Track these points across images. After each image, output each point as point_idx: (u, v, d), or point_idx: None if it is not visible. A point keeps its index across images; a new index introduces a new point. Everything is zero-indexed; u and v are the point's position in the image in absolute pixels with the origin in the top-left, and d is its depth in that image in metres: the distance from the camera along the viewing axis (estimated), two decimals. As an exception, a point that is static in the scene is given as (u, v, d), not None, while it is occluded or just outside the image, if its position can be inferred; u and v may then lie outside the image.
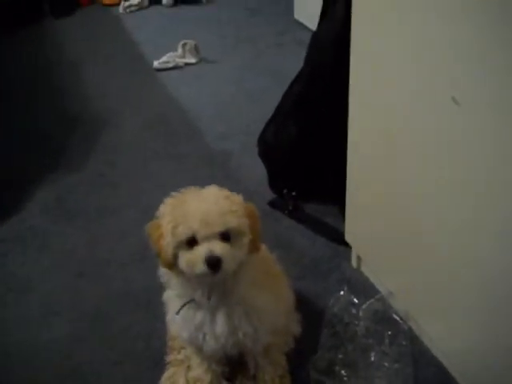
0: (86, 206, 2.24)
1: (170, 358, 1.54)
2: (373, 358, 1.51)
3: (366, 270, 1.80)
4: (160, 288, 1.59)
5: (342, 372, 1.48)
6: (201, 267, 1.09)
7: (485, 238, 1.17)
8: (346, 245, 1.88)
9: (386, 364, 1.50)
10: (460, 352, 1.40)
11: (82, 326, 1.72)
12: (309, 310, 1.63)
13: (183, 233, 1.09)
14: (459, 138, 1.16)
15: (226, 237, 1.11)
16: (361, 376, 1.47)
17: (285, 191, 2.08)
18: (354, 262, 1.83)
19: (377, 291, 1.72)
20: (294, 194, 2.09)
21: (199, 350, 1.34)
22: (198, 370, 1.42)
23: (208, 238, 1.09)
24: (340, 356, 1.51)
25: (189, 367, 1.48)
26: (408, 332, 1.58)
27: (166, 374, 1.50)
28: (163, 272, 1.24)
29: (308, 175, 2.04)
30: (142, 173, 2.38)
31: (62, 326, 1.72)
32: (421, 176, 1.34)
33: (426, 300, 1.48)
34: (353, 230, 1.75)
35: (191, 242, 1.10)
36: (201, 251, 1.08)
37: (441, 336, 1.45)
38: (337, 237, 1.93)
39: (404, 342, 1.55)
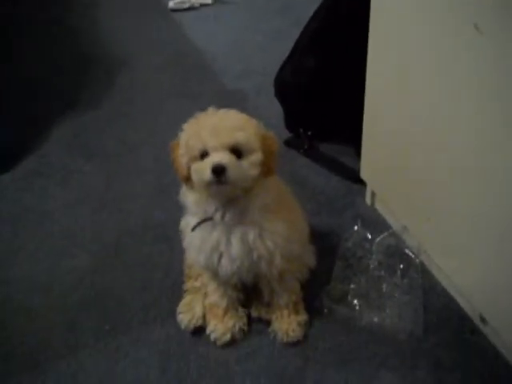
0: (103, 143, 2.27)
1: (187, 285, 1.59)
2: (384, 289, 1.55)
3: (380, 207, 1.82)
4: (177, 222, 1.65)
5: (355, 301, 1.53)
6: (207, 175, 1.13)
7: (502, 171, 1.18)
8: (361, 183, 1.91)
9: (397, 295, 1.54)
10: (470, 284, 1.43)
11: (103, 256, 1.77)
12: (323, 244, 1.67)
13: (195, 145, 1.16)
14: (480, 68, 1.15)
15: (236, 152, 1.16)
16: (372, 305, 1.52)
17: (301, 130, 2.09)
18: (368, 199, 1.86)
19: (390, 227, 1.75)
20: (309, 133, 2.10)
21: (215, 274, 1.38)
22: (214, 295, 1.47)
23: (217, 150, 1.14)
24: (353, 286, 1.56)
25: (205, 294, 1.53)
26: (419, 266, 1.62)
27: (183, 301, 1.56)
28: (182, 193, 1.30)
29: (324, 115, 2.04)
30: (159, 111, 2.40)
31: (84, 257, 1.78)
32: (436, 111, 1.34)
33: (438, 234, 1.50)
34: (368, 166, 1.77)
35: (203, 155, 1.16)
36: (209, 160, 1.14)
37: (452, 269, 1.49)
38: (351, 175, 1.95)
39: (415, 275, 1.59)
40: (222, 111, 1.21)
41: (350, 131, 1.96)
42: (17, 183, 2.09)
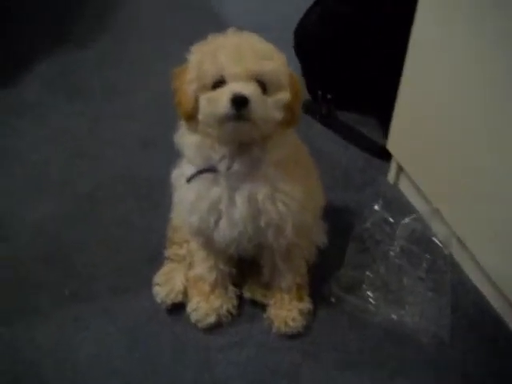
0: (90, 84, 1.98)
1: (169, 252, 1.32)
2: (405, 282, 1.30)
3: (405, 187, 1.55)
4: (163, 179, 1.39)
5: (369, 292, 1.27)
6: (225, 105, 0.90)
7: None
8: (383, 158, 1.65)
9: (421, 290, 1.28)
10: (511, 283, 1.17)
11: (72, 207, 1.51)
12: (337, 223, 1.39)
13: (209, 70, 0.92)
14: None
15: (261, 86, 0.92)
16: (389, 300, 1.26)
17: (319, 93, 1.81)
18: (391, 177, 1.59)
19: (414, 211, 1.49)
20: (329, 96, 1.82)
21: (208, 241, 1.12)
22: (202, 266, 1.21)
23: (239, 79, 0.91)
24: (368, 274, 1.30)
25: (190, 264, 1.26)
26: (448, 257, 1.35)
27: (162, 270, 1.29)
28: (179, 135, 1.04)
29: (349, 77, 1.76)
30: (156, 56, 2.11)
31: (50, 205, 1.51)
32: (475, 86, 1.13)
33: (479, 221, 1.24)
34: (398, 136, 1.49)
35: (217, 85, 0.93)
36: (227, 89, 0.91)
37: (490, 264, 1.23)
38: (373, 148, 1.69)
39: (443, 268, 1.33)
40: (246, 33, 0.98)
41: (377, 99, 1.71)
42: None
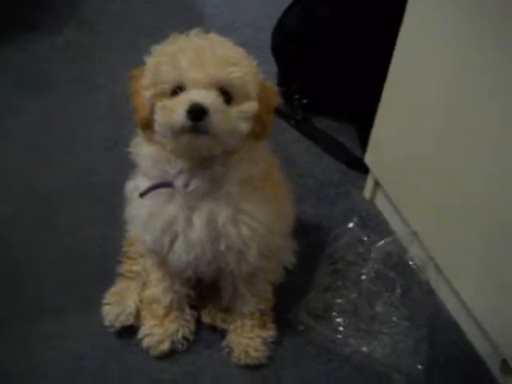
0: (55, 77, 1.83)
1: (123, 267, 1.21)
2: (379, 309, 1.20)
3: (381, 204, 1.46)
4: (123, 185, 1.29)
5: (339, 320, 1.17)
6: (181, 115, 0.80)
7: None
8: (360, 170, 1.55)
9: (394, 319, 1.19)
10: (492, 317, 1.09)
11: (23, 211, 1.38)
12: (306, 240, 1.30)
13: (167, 74, 0.83)
14: None
15: (225, 96, 0.83)
16: (361, 328, 1.17)
17: (296, 97, 1.71)
18: (367, 192, 1.49)
19: (391, 231, 1.40)
20: (305, 101, 1.71)
21: (162, 261, 1.01)
22: (156, 287, 1.10)
23: (199, 86, 0.82)
24: (338, 300, 1.20)
25: (145, 283, 1.15)
26: (425, 285, 1.26)
27: (113, 288, 1.18)
28: (134, 144, 0.94)
29: (327, 81, 1.65)
30: (130, 51, 1.93)
31: (1, 209, 1.37)
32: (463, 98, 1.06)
33: (455, 248, 1.16)
34: (377, 148, 1.39)
35: (176, 91, 0.84)
36: (185, 97, 0.82)
37: (470, 294, 1.14)
38: (350, 159, 1.59)
39: (419, 296, 1.24)
40: (212, 35, 0.88)
41: (356, 107, 1.62)
42: None
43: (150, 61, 0.86)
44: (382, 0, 1.40)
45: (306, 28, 1.59)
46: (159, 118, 0.84)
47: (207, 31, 0.89)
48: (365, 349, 1.13)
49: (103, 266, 1.25)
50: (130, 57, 1.86)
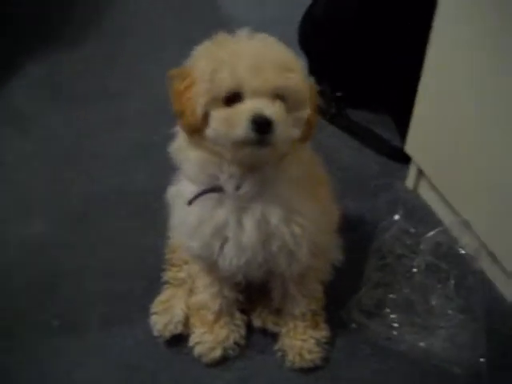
0: (79, 88, 1.84)
1: (167, 276, 1.18)
2: (433, 303, 1.15)
3: (426, 194, 1.41)
4: (161, 192, 1.27)
5: (393, 316, 1.13)
6: (244, 128, 0.77)
7: None
8: (400, 161, 1.51)
9: (450, 312, 1.14)
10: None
11: (64, 228, 1.37)
12: (352, 235, 1.25)
13: (226, 81, 0.78)
14: None
15: (282, 102, 0.80)
16: (416, 323, 1.12)
17: (328, 90, 1.66)
18: (410, 182, 1.44)
19: (438, 220, 1.35)
20: (338, 94, 1.67)
21: (211, 266, 0.98)
22: (205, 293, 1.07)
23: (258, 94, 0.78)
24: (391, 296, 1.16)
25: (191, 290, 1.12)
26: (480, 273, 1.21)
27: (160, 297, 1.15)
28: (177, 148, 0.89)
29: (360, 72, 1.61)
30: (152, 59, 1.95)
31: (37, 226, 1.37)
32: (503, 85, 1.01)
33: (509, 233, 1.10)
34: (419, 136, 1.35)
35: (231, 99, 0.79)
36: (246, 107, 0.78)
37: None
38: (389, 150, 1.55)
39: (474, 286, 1.18)
40: (262, 36, 0.83)
41: (392, 96, 1.58)
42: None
43: (201, 66, 0.81)
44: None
45: (336, 15, 1.55)
46: (217, 129, 0.80)
47: (253, 31, 0.84)
48: (422, 344, 1.09)
49: (147, 275, 1.23)
50: (155, 65, 1.88)
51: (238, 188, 0.86)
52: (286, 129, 0.79)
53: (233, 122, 0.78)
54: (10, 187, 1.47)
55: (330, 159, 1.51)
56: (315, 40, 1.63)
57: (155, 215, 1.34)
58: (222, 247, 0.90)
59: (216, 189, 0.87)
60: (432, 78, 1.24)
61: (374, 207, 1.39)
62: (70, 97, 1.79)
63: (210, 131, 0.81)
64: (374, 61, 1.55)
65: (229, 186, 0.86)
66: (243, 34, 0.83)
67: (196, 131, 0.83)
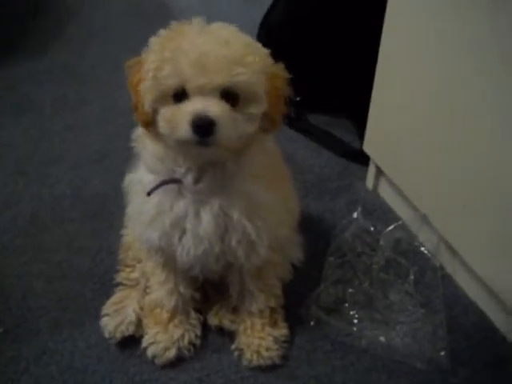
0: (40, 98, 1.82)
1: (121, 276, 1.14)
2: (393, 298, 1.14)
3: (385, 192, 1.41)
4: (117, 197, 1.24)
5: (352, 312, 1.11)
6: (185, 130, 0.75)
7: None
8: (359, 162, 1.50)
9: (410, 307, 1.12)
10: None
11: (12, 232, 1.32)
12: (312, 235, 1.24)
13: (168, 79, 0.75)
14: None
15: (231, 98, 0.77)
16: (376, 319, 1.11)
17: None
18: (369, 182, 1.44)
19: (398, 218, 1.34)
20: (298, 99, 1.66)
21: (167, 259, 0.96)
22: (160, 291, 1.03)
23: (203, 93, 0.75)
24: (350, 291, 1.14)
25: (145, 290, 1.08)
26: (439, 269, 1.20)
27: (112, 299, 1.11)
28: (136, 137, 0.87)
29: (318, 76, 1.62)
30: (112, 68, 1.94)
31: (-14, 230, 1.31)
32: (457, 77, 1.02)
33: (468, 227, 1.10)
34: (376, 135, 1.35)
35: (179, 96, 0.77)
36: (188, 107, 0.75)
37: (491, 273, 1.07)
38: (348, 152, 1.55)
39: (434, 282, 1.18)
40: (216, 27, 0.80)
41: (349, 98, 1.58)
42: None
43: (149, 60, 0.77)
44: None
45: (293, 21, 1.56)
46: (163, 128, 0.78)
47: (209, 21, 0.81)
48: (382, 339, 1.06)
49: (99, 278, 1.19)
50: (113, 74, 1.86)
51: (196, 182, 0.83)
52: (232, 127, 0.76)
53: (176, 123, 0.76)
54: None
55: (290, 162, 1.50)
56: (273, 46, 1.63)
57: (110, 218, 1.33)
58: (180, 238, 0.87)
59: (175, 180, 0.84)
60: (385, 75, 1.25)
61: (334, 207, 1.38)
62: (29, 107, 1.76)
63: (159, 128, 0.79)
64: (332, 64, 1.57)
65: (187, 180, 0.83)
66: (197, 23, 0.79)
67: (149, 125, 0.81)
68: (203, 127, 0.74)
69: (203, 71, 0.74)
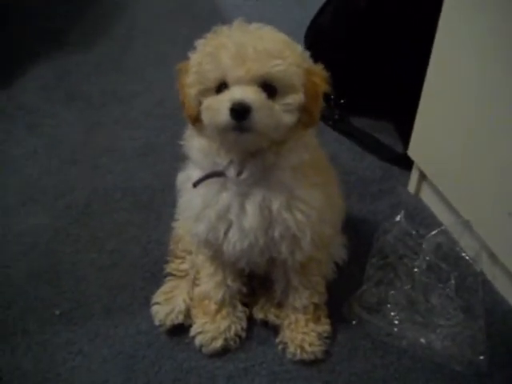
0: (88, 90, 1.86)
1: (170, 267, 1.19)
2: (434, 301, 1.16)
3: (427, 197, 1.43)
4: (164, 189, 1.27)
5: (393, 313, 1.13)
6: (224, 115, 0.80)
7: None
8: (402, 166, 1.52)
9: (451, 311, 1.15)
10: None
11: (67, 219, 1.38)
12: (355, 235, 1.28)
13: (210, 72, 0.82)
14: None
15: (268, 89, 0.82)
16: (417, 321, 1.13)
17: (332, 97, 1.69)
18: (412, 186, 1.46)
19: (440, 223, 1.36)
20: (342, 101, 1.70)
21: (215, 253, 1.00)
22: (208, 283, 1.08)
23: (241, 83, 0.81)
24: (392, 292, 1.16)
25: (194, 281, 1.13)
26: (480, 275, 1.22)
27: (162, 288, 1.16)
28: (186, 137, 0.94)
29: (364, 79, 1.64)
30: (158, 63, 1.98)
31: (42, 217, 1.38)
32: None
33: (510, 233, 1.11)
34: (421, 139, 1.36)
35: (221, 88, 0.83)
36: (227, 95, 0.81)
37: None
38: (391, 156, 1.57)
39: (475, 287, 1.20)
40: (254, 26, 0.86)
41: (394, 103, 1.60)
42: (-24, 122, 1.68)
43: (193, 58, 0.86)
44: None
45: (341, 27, 1.58)
46: (205, 118, 0.84)
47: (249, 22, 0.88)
48: (423, 341, 1.09)
49: (149, 268, 1.24)
50: (160, 70, 1.91)
51: (239, 173, 0.88)
52: (268, 115, 0.81)
53: (216, 111, 0.81)
54: (16, 180, 1.48)
55: (333, 163, 1.52)
56: (319, 49, 1.64)
57: (158, 210, 1.38)
58: (226, 231, 0.92)
59: (218, 173, 0.89)
60: (435, 81, 1.27)
61: (376, 210, 1.41)
62: (80, 98, 1.81)
63: (203, 119, 0.85)
64: (378, 68, 1.58)
65: (230, 172, 0.88)
66: (236, 24, 0.86)
67: (196, 120, 0.87)
68: (239, 112, 0.79)
69: (242, 62, 0.80)
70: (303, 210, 0.90)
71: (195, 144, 0.92)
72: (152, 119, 1.72)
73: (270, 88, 0.82)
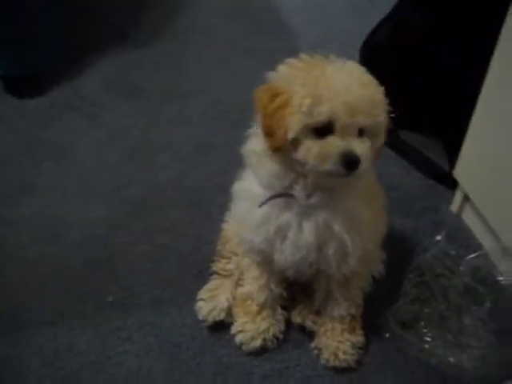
0: (148, 85, 1.95)
1: (217, 266, 1.26)
2: (467, 322, 1.19)
3: (469, 219, 1.46)
4: (216, 189, 1.34)
5: (425, 330, 1.18)
6: (333, 164, 0.85)
7: None
8: (447, 185, 1.55)
9: (482, 333, 1.18)
10: None
11: (122, 212, 1.47)
12: (393, 251, 1.31)
13: (322, 115, 0.84)
14: None
15: (361, 134, 0.87)
16: (448, 340, 1.17)
17: (384, 110, 1.72)
18: (455, 207, 1.49)
19: (479, 245, 1.39)
20: (392, 115, 1.72)
21: (265, 260, 1.07)
22: (252, 285, 1.15)
23: (347, 131, 0.85)
24: (426, 310, 1.21)
25: (238, 281, 1.20)
26: (515, 301, 1.25)
27: (207, 285, 1.24)
28: (252, 150, 0.96)
29: (416, 95, 1.66)
30: (216, 63, 2.05)
31: (101, 208, 1.47)
32: None
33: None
34: (468, 162, 1.39)
35: (323, 130, 0.86)
36: (338, 145, 0.85)
37: None
38: (438, 174, 1.59)
39: (508, 311, 1.22)
40: (350, 67, 0.89)
41: (445, 122, 1.62)
42: (41, 112, 1.79)
43: (301, 95, 0.84)
44: (478, 14, 1.41)
45: (399, 41, 1.61)
46: (309, 160, 0.86)
47: (326, 55, 0.90)
48: (452, 360, 1.13)
49: (197, 264, 1.32)
50: (219, 68, 1.98)
51: (308, 198, 0.93)
52: (368, 162, 0.87)
53: (323, 157, 0.85)
54: (76, 170, 1.58)
55: (379, 177, 1.59)
56: (374, 63, 1.69)
57: (207, 209, 1.45)
58: (280, 244, 0.98)
59: (288, 194, 0.94)
60: (488, 105, 1.29)
61: (417, 227, 1.44)
62: (140, 94, 1.89)
63: (298, 156, 0.87)
64: (431, 86, 1.61)
65: (300, 195, 0.93)
66: (334, 61, 0.88)
67: (281, 150, 0.89)
68: (351, 163, 0.84)
69: (353, 112, 0.84)
70: (359, 230, 0.97)
71: (268, 166, 0.93)
72: (207, 119, 1.79)
73: (362, 132, 0.88)
